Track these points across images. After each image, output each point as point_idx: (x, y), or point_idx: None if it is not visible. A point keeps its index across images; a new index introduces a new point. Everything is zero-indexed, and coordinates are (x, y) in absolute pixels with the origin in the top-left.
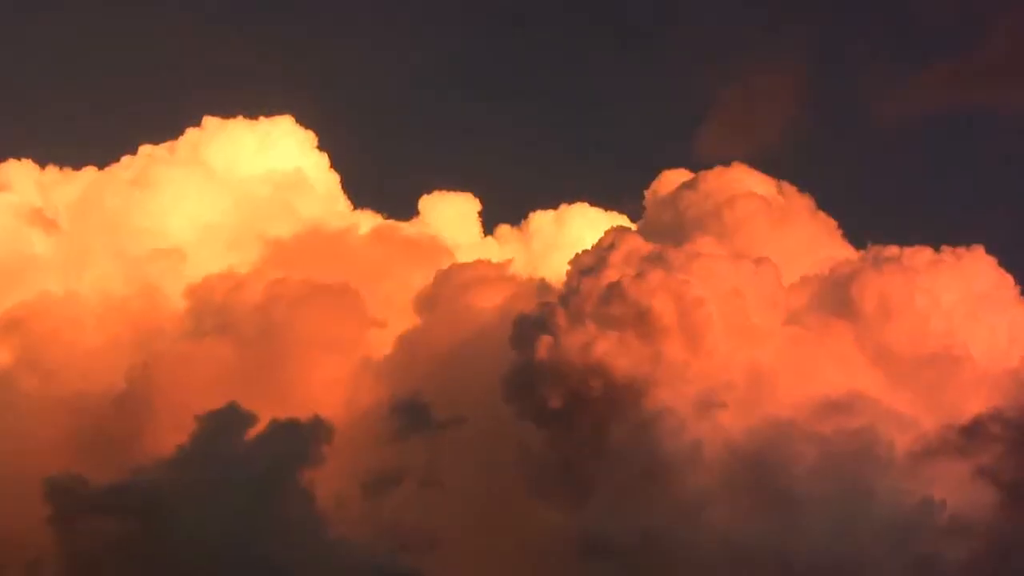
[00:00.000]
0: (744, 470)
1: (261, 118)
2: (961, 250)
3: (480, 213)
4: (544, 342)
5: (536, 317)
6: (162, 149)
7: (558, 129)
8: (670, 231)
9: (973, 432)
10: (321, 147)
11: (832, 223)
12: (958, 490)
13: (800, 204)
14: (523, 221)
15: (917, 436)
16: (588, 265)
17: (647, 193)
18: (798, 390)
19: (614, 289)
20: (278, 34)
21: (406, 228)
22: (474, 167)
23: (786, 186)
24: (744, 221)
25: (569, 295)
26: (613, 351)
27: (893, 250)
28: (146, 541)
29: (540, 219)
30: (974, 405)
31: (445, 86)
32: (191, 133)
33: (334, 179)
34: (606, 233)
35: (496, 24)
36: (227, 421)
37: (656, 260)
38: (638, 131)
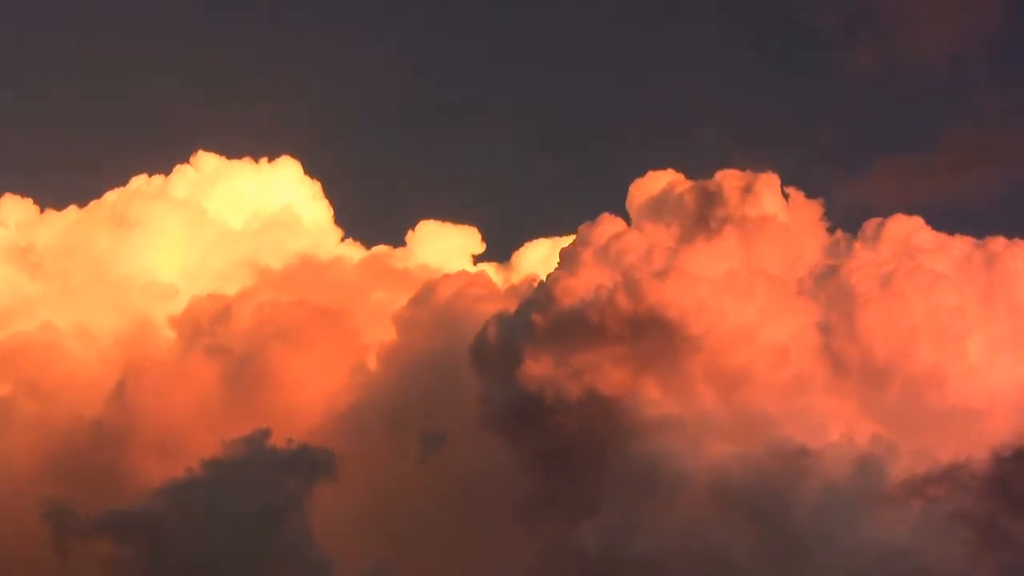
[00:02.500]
0: (739, 496)
1: (262, 160)
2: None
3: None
4: (521, 372)
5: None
6: (153, 183)
7: (551, 165)
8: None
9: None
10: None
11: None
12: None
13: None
14: (514, 254)
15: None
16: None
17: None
18: (796, 416)
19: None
20: (273, 71)
21: (397, 259)
22: (469, 200)
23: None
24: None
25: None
26: (593, 375)
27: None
28: (144, 565)
29: (531, 250)
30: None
31: (436, 122)
32: (182, 169)
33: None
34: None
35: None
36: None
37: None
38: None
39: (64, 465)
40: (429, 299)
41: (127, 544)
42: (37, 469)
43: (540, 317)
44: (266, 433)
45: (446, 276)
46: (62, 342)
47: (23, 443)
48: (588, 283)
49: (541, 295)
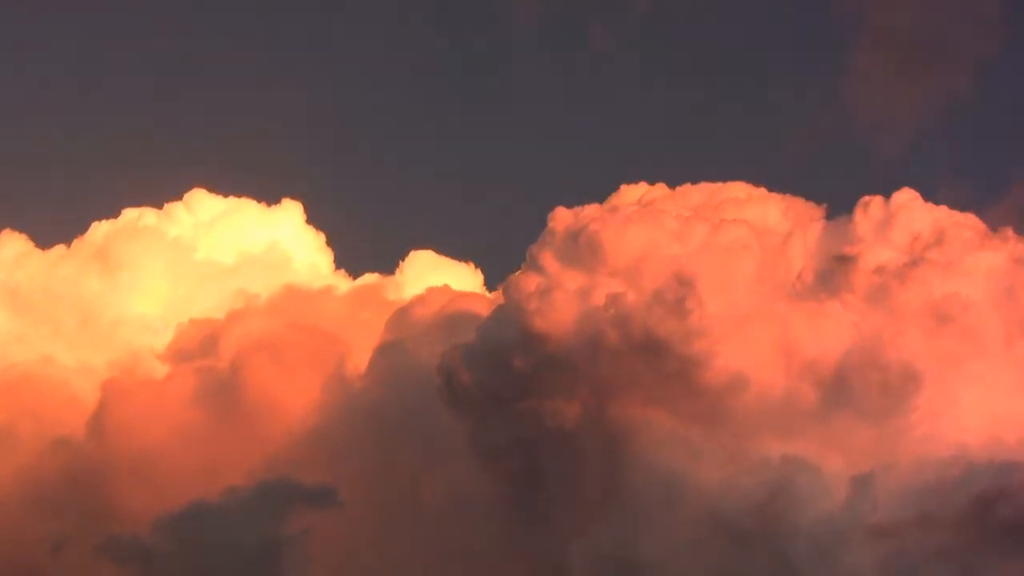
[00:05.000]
0: (730, 523)
1: (263, 202)
2: None
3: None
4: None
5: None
6: (147, 217)
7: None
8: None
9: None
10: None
11: None
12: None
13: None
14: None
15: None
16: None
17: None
18: (789, 444)
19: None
20: (273, 106)
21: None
22: (466, 234)
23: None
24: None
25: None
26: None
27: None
28: None
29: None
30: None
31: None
32: (174, 205)
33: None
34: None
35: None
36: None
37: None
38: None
39: (58, 495)
40: (419, 313)
41: (127, 571)
42: (33, 499)
43: (521, 361)
44: (265, 463)
45: (433, 289)
46: (59, 375)
47: (17, 471)
48: (566, 304)
49: (512, 327)
